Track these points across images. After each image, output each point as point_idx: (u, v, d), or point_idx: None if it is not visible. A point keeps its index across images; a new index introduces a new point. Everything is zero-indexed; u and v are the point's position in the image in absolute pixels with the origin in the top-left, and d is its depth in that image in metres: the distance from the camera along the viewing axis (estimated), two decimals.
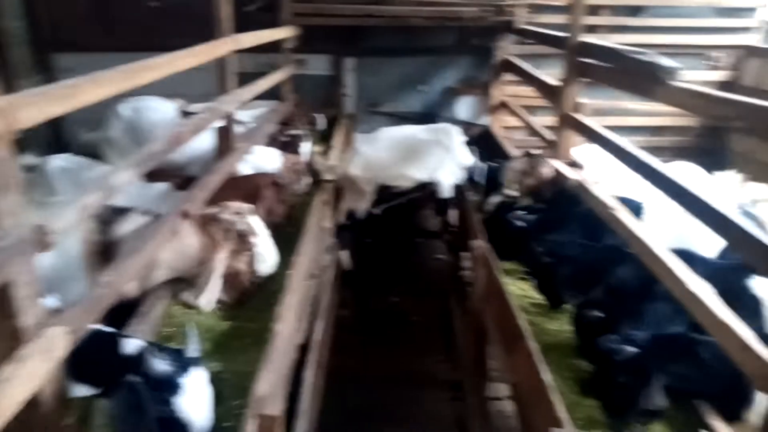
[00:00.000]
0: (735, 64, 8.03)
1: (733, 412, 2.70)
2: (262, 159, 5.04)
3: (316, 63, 8.21)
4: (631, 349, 2.74)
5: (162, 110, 5.75)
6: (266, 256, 3.64)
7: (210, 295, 3.40)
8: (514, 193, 5.14)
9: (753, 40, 7.89)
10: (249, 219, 3.67)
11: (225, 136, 4.79)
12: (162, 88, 3.69)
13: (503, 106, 8.14)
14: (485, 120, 8.47)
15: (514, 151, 6.90)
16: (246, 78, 5.43)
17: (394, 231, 6.93)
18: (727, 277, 3.23)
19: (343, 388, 4.17)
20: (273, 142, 5.94)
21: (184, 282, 3.48)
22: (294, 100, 7.45)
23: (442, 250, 6.33)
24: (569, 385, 3.09)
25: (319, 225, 4.94)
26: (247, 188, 4.15)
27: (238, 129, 5.46)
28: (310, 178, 4.98)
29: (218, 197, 3.94)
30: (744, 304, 3.13)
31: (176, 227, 3.37)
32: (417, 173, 5.11)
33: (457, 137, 5.21)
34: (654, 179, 3.50)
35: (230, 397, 2.63)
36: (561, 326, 3.63)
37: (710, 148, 8.03)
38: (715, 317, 2.58)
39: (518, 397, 3.06)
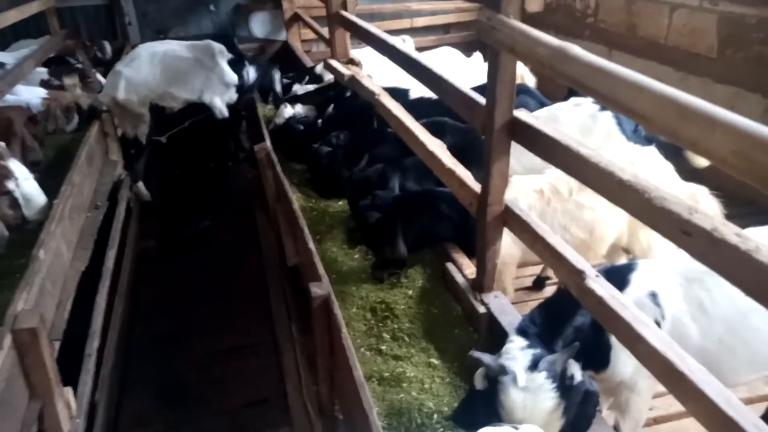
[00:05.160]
0: None
1: (470, 247, 3.17)
2: (21, 97, 4.63)
3: None
4: (375, 214, 3.09)
5: None
6: (32, 198, 3.41)
7: None
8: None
9: None
10: (5, 161, 3.41)
11: None
12: None
13: (297, 18, 8.10)
14: (283, 35, 8.44)
15: (311, 64, 7.00)
16: None
17: (203, 159, 6.82)
18: (467, 136, 3.71)
19: (151, 316, 4.21)
20: (47, 80, 5.47)
21: None
22: (66, 35, 6.82)
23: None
24: (344, 250, 3.42)
25: (103, 158, 4.74)
26: None
27: None
28: (76, 113, 4.67)
29: None
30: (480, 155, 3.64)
31: None
32: (183, 93, 4.98)
33: (219, 55, 5.10)
34: (406, 65, 3.73)
35: None
36: (343, 207, 3.94)
37: None
38: (444, 166, 2.97)
39: (302, 272, 3.32)
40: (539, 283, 4.07)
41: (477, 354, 2.05)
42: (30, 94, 4.75)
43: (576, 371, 2.03)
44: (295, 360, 3.36)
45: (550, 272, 4.04)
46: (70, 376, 2.75)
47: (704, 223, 1.49)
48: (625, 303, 1.89)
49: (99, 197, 4.17)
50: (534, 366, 1.96)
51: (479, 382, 2.06)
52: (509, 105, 2.33)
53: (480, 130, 2.54)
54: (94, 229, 3.76)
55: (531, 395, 1.93)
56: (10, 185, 3.34)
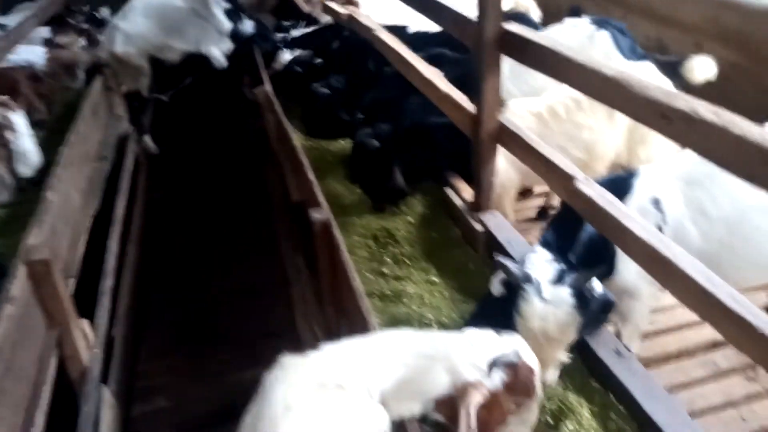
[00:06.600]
0: None
1: (468, 173, 3.19)
2: (23, 56, 4.68)
3: None
4: (374, 143, 3.11)
5: None
6: (27, 156, 3.46)
7: None
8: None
9: None
10: (8, 114, 3.47)
11: None
12: None
13: None
14: None
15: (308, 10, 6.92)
16: None
17: (211, 111, 6.83)
18: (466, 66, 3.69)
19: (166, 260, 4.38)
20: (48, 39, 5.49)
21: None
22: None
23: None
24: (346, 185, 3.48)
25: (108, 112, 4.79)
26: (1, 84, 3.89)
27: None
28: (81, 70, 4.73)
29: None
30: None
31: None
32: (181, 44, 4.94)
33: (214, 4, 5.03)
34: None
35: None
36: (344, 146, 3.98)
37: None
38: (440, 92, 2.98)
39: (304, 206, 3.37)
40: (543, 213, 4.09)
41: (502, 259, 1.99)
42: (32, 54, 4.79)
43: (597, 286, 2.02)
44: (302, 291, 3.46)
45: (553, 202, 4.06)
46: (88, 313, 2.88)
47: (682, 104, 1.50)
48: (612, 200, 1.92)
49: (105, 149, 4.24)
50: (558, 280, 1.96)
51: (496, 288, 2.06)
52: (498, 16, 2.32)
53: (472, 47, 2.54)
54: (102, 177, 3.84)
55: (552, 307, 1.93)
56: (9, 136, 3.39)
